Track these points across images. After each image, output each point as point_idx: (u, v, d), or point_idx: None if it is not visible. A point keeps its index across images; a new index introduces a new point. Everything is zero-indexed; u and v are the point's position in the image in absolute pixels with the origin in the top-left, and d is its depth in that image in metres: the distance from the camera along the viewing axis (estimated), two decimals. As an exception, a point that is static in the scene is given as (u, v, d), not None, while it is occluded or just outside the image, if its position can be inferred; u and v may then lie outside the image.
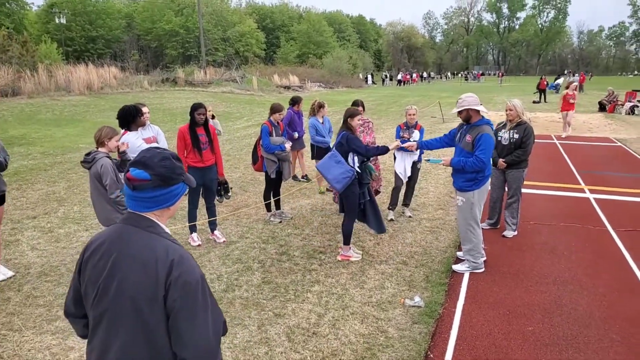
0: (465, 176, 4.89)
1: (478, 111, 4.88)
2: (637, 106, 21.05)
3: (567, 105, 14.49)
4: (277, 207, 6.96)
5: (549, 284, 4.76)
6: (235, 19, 58.57)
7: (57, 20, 48.91)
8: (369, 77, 56.23)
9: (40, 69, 23.82)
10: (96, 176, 4.20)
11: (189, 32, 52.65)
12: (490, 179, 5.09)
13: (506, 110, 6.20)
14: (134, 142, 4.88)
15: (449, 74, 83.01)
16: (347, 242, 5.36)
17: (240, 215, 7.12)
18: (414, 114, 6.72)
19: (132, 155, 4.85)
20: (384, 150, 5.23)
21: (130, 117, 4.92)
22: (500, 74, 64.33)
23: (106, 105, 21.78)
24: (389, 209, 6.99)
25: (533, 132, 6.05)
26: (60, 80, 24.28)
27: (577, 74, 45.76)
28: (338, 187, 5.06)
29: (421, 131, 6.82)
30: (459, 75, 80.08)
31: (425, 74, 71.29)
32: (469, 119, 4.90)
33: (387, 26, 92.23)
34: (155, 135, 5.46)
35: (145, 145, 5.08)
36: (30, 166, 10.34)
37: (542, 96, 28.42)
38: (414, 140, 5.67)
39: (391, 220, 6.81)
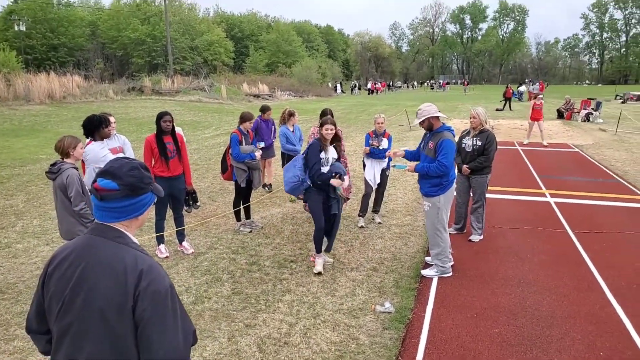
0: (431, 181, 5.02)
1: (438, 118, 5.06)
2: (592, 114, 21.98)
3: (536, 114, 14.83)
4: (247, 216, 6.92)
5: (514, 286, 4.90)
6: (204, 28, 58.13)
7: (16, 28, 47.44)
8: (338, 86, 56.75)
9: (-3, 77, 23.04)
10: (61, 187, 4.09)
11: (155, 40, 51.92)
12: (455, 185, 5.21)
13: (470, 118, 6.38)
14: (99, 152, 4.78)
15: (415, 83, 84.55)
16: (317, 250, 5.38)
17: (209, 225, 7.04)
18: (382, 123, 6.84)
19: (95, 165, 4.76)
20: (327, 178, 5.07)
21: (94, 127, 4.82)
22: (465, 82, 65.96)
23: (69, 114, 21.21)
24: (359, 215, 7.06)
25: (495, 139, 6.24)
26: (20, 89, 23.53)
27: (537, 83, 47.37)
28: (285, 188, 5.35)
29: (389, 139, 6.94)
30: (425, 84, 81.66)
31: (391, 83, 72.41)
32: (431, 126, 5.10)
33: (354, 36, 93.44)
34: (122, 145, 5.35)
35: (111, 156, 4.99)
36: (-10, 178, 9.96)
37: (508, 104, 29.29)
38: (403, 149, 5.69)
39: (361, 227, 6.87)
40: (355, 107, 32.12)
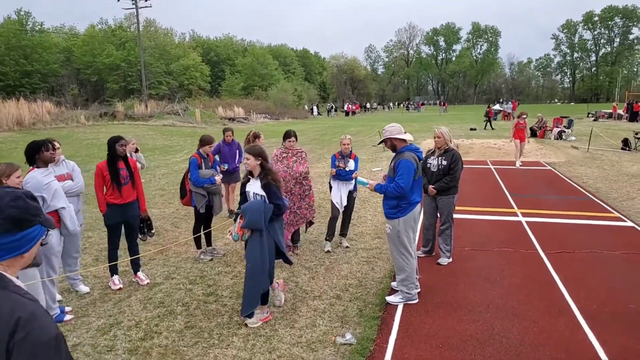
0: (389, 203, 4.86)
1: (404, 140, 4.90)
2: (564, 131, 22.31)
3: (519, 133, 14.28)
4: (208, 243, 6.61)
5: (482, 312, 4.68)
6: (179, 52, 58.06)
7: (-12, 55, 46.68)
8: (315, 108, 56.96)
9: (-37, 104, 22.41)
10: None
11: (130, 65, 51.51)
12: (419, 207, 5.01)
13: (434, 138, 6.24)
14: (40, 179, 4.45)
15: (391, 104, 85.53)
16: (262, 302, 4.67)
17: (168, 253, 6.70)
18: (348, 144, 6.68)
19: (37, 194, 4.43)
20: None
21: (33, 151, 4.51)
22: (444, 103, 66.85)
23: (36, 141, 20.62)
24: (326, 239, 6.81)
25: (461, 158, 6.11)
26: (-13, 116, 22.92)
27: (509, 102, 48.29)
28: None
29: (356, 160, 6.76)
30: (401, 105, 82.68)
31: (368, 105, 73.06)
32: (395, 147, 4.96)
33: (330, 59, 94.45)
34: (70, 172, 5.04)
35: (56, 184, 4.67)
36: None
37: (489, 124, 29.57)
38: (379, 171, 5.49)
39: (328, 251, 6.62)
40: (331, 128, 32.13)
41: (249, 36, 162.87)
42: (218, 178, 6.16)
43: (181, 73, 55.91)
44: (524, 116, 14.76)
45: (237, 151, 8.52)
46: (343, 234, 6.98)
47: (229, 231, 4.58)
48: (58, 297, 5.15)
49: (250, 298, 4.40)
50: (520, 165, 14.03)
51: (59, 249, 4.71)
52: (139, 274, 5.71)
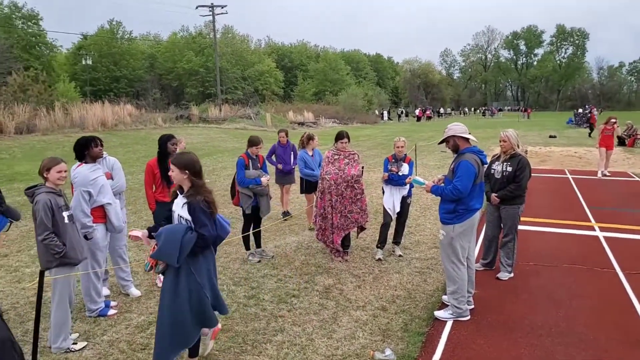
0: (446, 207, 4.50)
1: (467, 139, 4.52)
2: (658, 140, 20.23)
3: (605, 139, 12.94)
4: (258, 244, 6.53)
5: (542, 336, 4.17)
6: (255, 59, 59.83)
7: (83, 62, 50.90)
8: (385, 113, 56.28)
9: (56, 107, 24.37)
10: (33, 213, 3.87)
11: (208, 71, 53.81)
12: (478, 215, 4.59)
13: (500, 142, 5.74)
14: (88, 174, 4.55)
15: (466, 109, 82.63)
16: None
17: (219, 253, 6.70)
18: (402, 146, 6.34)
19: (84, 189, 4.53)
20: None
21: (81, 148, 4.62)
22: (526, 109, 63.24)
23: (117, 141, 21.98)
24: (377, 247, 6.50)
25: (529, 165, 5.55)
26: (76, 118, 24.78)
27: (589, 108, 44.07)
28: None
29: (410, 164, 6.40)
30: (477, 111, 79.66)
31: (442, 110, 71.03)
32: (457, 147, 4.60)
33: (404, 63, 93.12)
34: (109, 170, 5.12)
35: (103, 179, 4.76)
36: (22, 202, 10.18)
37: (592, 130, 27.55)
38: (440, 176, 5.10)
39: (379, 259, 6.30)
40: (400, 133, 31.39)
41: (322, 42, 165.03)
42: (264, 179, 6.06)
43: (256, 78, 57.58)
44: (613, 121, 13.46)
45: (292, 152, 8.42)
46: (396, 242, 6.63)
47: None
48: (106, 292, 5.27)
49: (159, 354, 3.44)
50: (605, 176, 12.81)
51: (104, 244, 4.79)
52: (186, 272, 5.72)
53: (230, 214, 9.07)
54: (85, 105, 26.52)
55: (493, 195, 5.63)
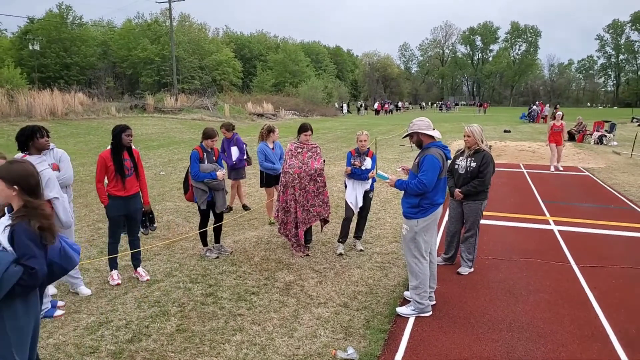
0: (410, 201, 4.44)
1: (431, 137, 4.46)
2: (605, 136, 21.18)
3: (555, 136, 13.25)
4: (217, 240, 6.30)
5: (503, 331, 4.19)
6: (213, 48, 58.47)
7: (30, 47, 48.19)
8: (345, 106, 56.43)
9: (0, 93, 22.97)
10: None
11: (164, 59, 52.16)
12: (440, 209, 4.56)
13: (464, 137, 5.74)
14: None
15: (423, 103, 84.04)
16: None
17: (175, 249, 6.44)
18: (365, 140, 6.24)
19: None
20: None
21: (26, 137, 4.27)
22: (484, 104, 64.41)
23: (67, 131, 20.97)
24: (338, 241, 6.41)
25: (492, 160, 5.56)
26: (22, 106, 23.44)
27: (536, 105, 45.48)
28: None
29: (373, 158, 6.32)
30: (435, 105, 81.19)
31: (400, 104, 71.90)
32: (421, 143, 4.55)
33: (363, 57, 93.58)
34: (57, 162, 4.78)
35: (50, 172, 4.42)
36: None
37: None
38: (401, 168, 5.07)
39: (340, 254, 6.22)
40: (359, 127, 31.56)
41: (282, 33, 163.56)
42: (220, 173, 5.82)
43: (214, 68, 56.32)
44: (560, 114, 13.88)
45: (237, 147, 8.21)
46: (357, 236, 6.56)
47: None
48: (53, 290, 4.94)
49: None
50: (557, 171, 13.24)
51: (50, 241, 4.45)
52: (139, 269, 5.45)
53: (186, 207, 8.76)
54: (33, 92, 25.13)
55: (457, 190, 5.62)
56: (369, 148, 6.32)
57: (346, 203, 6.36)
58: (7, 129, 19.48)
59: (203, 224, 6.06)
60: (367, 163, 6.21)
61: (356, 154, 6.25)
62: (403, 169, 5.11)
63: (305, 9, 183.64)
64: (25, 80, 29.60)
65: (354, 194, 6.30)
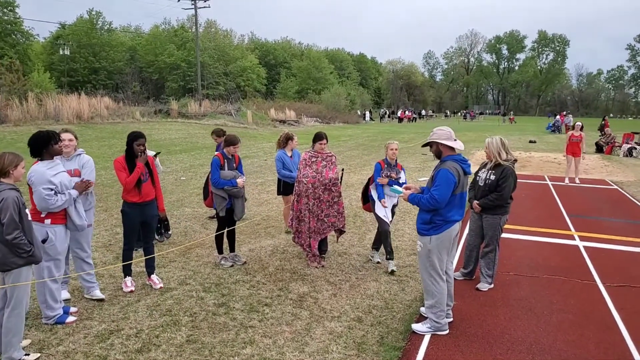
0: (422, 217, 4.30)
1: (452, 148, 4.30)
2: (635, 148, 20.52)
3: (573, 147, 12.90)
4: (232, 248, 6.26)
5: (523, 352, 4.01)
6: (238, 54, 59.07)
7: (61, 52, 49.52)
8: (367, 113, 56.28)
9: (30, 97, 23.60)
10: (-4, 212, 3.56)
11: (190, 65, 52.88)
12: (457, 226, 4.40)
13: (484, 149, 5.59)
14: (44, 172, 4.22)
15: (447, 111, 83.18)
16: None
17: (190, 256, 6.42)
18: (396, 149, 6.10)
19: (43, 186, 4.21)
20: None
21: (40, 144, 4.28)
22: (511, 117, 61.53)
23: (92, 134, 21.39)
24: (373, 248, 6.39)
25: (513, 175, 5.35)
26: (50, 109, 24.04)
27: (557, 115, 44.31)
28: None
29: (403, 171, 6.20)
30: (459, 114, 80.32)
31: (423, 112, 71.31)
32: (440, 154, 4.38)
33: (387, 64, 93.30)
34: (79, 168, 4.79)
35: (63, 175, 4.44)
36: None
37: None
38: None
39: (378, 262, 6.18)
40: (381, 134, 31.37)
41: (306, 40, 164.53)
42: (240, 180, 5.79)
43: (238, 74, 56.86)
44: (579, 124, 13.43)
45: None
46: (376, 247, 6.42)
47: None
48: (66, 295, 4.96)
49: None
50: (572, 183, 12.79)
51: (64, 246, 4.47)
52: (153, 276, 5.44)
53: (205, 213, 8.77)
54: (61, 96, 25.75)
55: (475, 202, 5.48)
56: (396, 160, 6.18)
57: (378, 217, 6.06)
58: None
59: (220, 231, 6.02)
60: (402, 177, 6.07)
61: (386, 166, 6.09)
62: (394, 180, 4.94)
63: (331, 17, 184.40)
64: (55, 85, 30.35)
65: (383, 208, 6.07)
